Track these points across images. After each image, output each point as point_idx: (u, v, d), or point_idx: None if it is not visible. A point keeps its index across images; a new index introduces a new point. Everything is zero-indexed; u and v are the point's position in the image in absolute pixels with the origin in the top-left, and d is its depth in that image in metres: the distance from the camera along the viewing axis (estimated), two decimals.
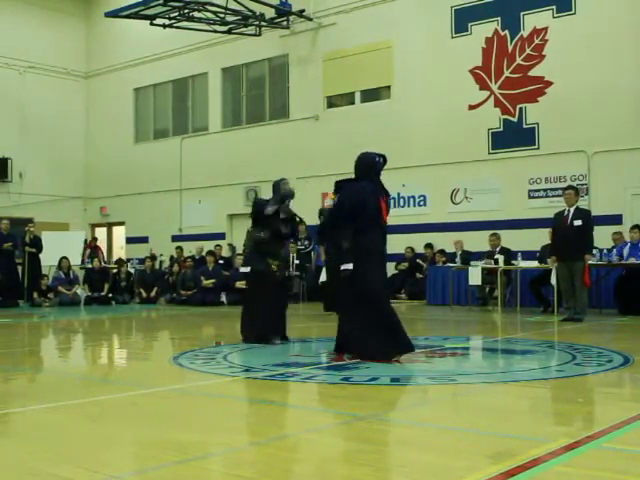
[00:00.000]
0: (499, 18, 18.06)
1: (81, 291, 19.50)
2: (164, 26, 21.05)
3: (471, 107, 18.31)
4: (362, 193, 7.75)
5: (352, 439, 4.42)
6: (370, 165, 7.96)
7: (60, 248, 19.95)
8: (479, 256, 16.19)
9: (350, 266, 7.65)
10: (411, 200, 19.35)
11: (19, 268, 19.81)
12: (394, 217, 19.33)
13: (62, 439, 4.51)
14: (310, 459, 3.94)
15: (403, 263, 18.80)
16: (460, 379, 6.61)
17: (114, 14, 21.28)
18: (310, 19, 20.87)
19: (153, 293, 19.78)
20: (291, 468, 3.79)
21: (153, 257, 21.87)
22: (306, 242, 19.56)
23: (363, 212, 7.68)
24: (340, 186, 8.05)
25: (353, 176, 8.04)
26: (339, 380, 6.45)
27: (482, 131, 18.11)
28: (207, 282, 18.57)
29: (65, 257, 19.51)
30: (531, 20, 17.63)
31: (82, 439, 4.54)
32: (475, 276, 15.47)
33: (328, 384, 6.40)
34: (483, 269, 15.45)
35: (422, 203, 19.20)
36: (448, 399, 5.85)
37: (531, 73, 17.58)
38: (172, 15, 20.55)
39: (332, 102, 21.11)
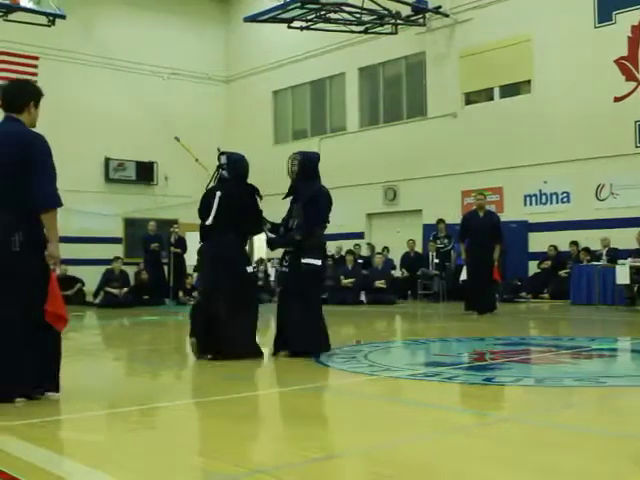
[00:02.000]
0: None
1: None
2: (301, 28, 21.30)
3: (617, 99, 17.62)
4: (331, 199, 8.25)
5: (494, 440, 4.32)
6: (318, 162, 8.29)
7: None
8: (627, 254, 15.56)
9: (319, 262, 7.99)
10: (554, 197, 18.80)
11: (165, 268, 20.53)
12: (536, 214, 18.97)
13: (206, 433, 4.62)
14: (450, 459, 3.87)
15: (546, 262, 18.30)
16: (608, 381, 6.37)
17: (253, 19, 21.68)
18: (447, 15, 20.64)
19: None
20: (430, 468, 3.74)
21: None
22: (445, 241, 19.37)
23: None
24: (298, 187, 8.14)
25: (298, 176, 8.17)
26: (481, 381, 6.33)
27: (629, 123, 17.38)
28: (346, 281, 18.65)
29: None
30: None
31: (226, 434, 4.63)
32: (623, 275, 14.90)
33: (470, 384, 6.30)
34: (631, 267, 14.87)
35: (565, 200, 18.62)
36: (595, 402, 5.65)
37: None
38: (309, 17, 20.77)
39: (470, 99, 20.80)
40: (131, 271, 19.67)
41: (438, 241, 19.42)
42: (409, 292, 19.93)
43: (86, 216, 23.29)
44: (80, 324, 15.12)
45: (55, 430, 4.68)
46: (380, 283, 18.60)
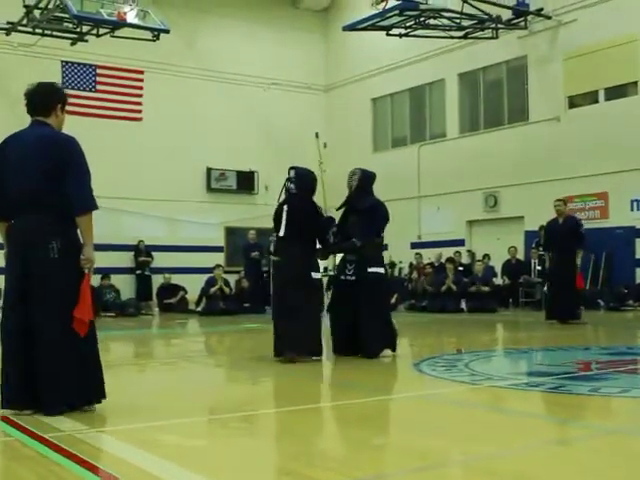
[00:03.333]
0: None
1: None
2: (400, 36, 21.22)
3: None
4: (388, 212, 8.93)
5: (599, 453, 4.19)
6: (374, 180, 8.94)
7: None
8: None
9: (382, 270, 8.73)
10: None
11: (265, 276, 20.73)
12: None
13: (307, 441, 4.62)
14: (551, 472, 3.76)
15: None
16: None
17: (351, 27, 21.72)
18: (549, 17, 20.23)
19: (393, 300, 19.89)
20: (531, 479, 3.65)
21: (392, 264, 22.11)
22: None
23: None
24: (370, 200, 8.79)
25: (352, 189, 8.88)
26: (587, 391, 6.16)
27: None
28: (450, 284, 18.47)
29: None
30: None
31: (327, 441, 4.64)
32: None
33: (575, 394, 6.12)
34: None
35: None
36: None
37: None
38: (408, 24, 20.68)
39: (574, 102, 20.31)
40: (231, 279, 19.95)
41: (540, 248, 19.03)
42: (510, 300, 19.61)
43: (189, 225, 23.81)
44: (183, 331, 15.45)
45: (156, 434, 4.75)
46: (480, 285, 18.44)
